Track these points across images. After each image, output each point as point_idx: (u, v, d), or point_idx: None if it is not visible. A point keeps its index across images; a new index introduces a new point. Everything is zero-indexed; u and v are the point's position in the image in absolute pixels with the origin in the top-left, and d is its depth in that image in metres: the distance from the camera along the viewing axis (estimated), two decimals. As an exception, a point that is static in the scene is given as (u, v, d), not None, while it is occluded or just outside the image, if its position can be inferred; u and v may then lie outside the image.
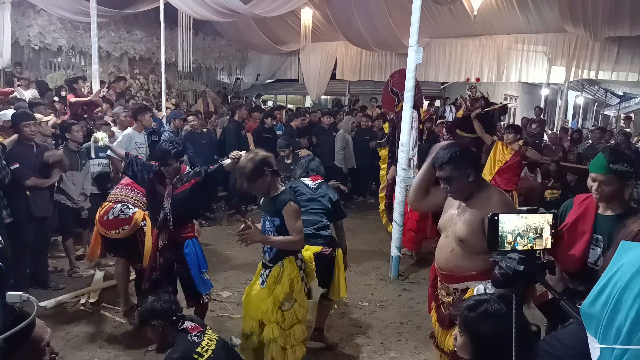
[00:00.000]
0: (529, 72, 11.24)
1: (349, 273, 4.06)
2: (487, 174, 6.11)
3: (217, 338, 2.66)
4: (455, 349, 1.77)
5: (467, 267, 2.43)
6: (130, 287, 4.25)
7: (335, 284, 3.63)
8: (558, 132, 10.98)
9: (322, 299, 3.75)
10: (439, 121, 9.02)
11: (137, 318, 2.80)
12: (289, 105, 15.31)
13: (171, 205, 3.37)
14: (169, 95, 10.28)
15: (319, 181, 3.75)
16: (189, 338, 2.55)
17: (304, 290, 3.07)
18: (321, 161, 4.15)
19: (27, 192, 4.34)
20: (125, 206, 3.90)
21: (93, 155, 5.24)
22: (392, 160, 6.08)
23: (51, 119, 5.74)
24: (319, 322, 3.78)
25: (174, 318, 2.61)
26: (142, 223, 3.95)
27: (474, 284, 2.41)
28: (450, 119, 10.50)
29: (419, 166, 5.56)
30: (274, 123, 8.36)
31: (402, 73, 5.98)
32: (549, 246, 1.46)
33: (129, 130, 5.48)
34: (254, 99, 15.10)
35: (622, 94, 19.86)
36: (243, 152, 3.42)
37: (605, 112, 23.36)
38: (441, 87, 13.88)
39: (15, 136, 4.44)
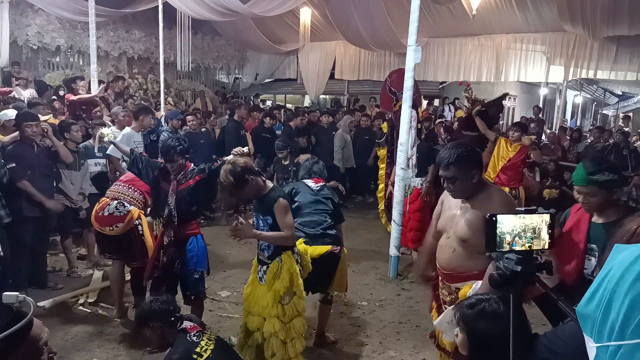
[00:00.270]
0: (527, 71, 11.25)
1: (348, 272, 4.07)
2: (491, 171, 6.11)
3: (216, 338, 2.66)
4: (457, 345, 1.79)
5: (469, 267, 2.43)
6: (129, 286, 4.25)
7: (337, 279, 3.66)
8: (557, 132, 11.00)
9: (323, 303, 3.76)
10: (437, 121, 9.02)
11: (135, 320, 2.79)
12: (288, 105, 15.31)
13: (175, 202, 3.38)
14: (167, 95, 10.26)
15: (321, 184, 3.77)
16: (188, 338, 2.55)
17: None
18: (322, 161, 4.16)
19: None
20: (121, 204, 3.90)
21: (97, 153, 5.23)
22: (392, 160, 6.08)
23: (49, 119, 5.73)
24: (320, 326, 3.80)
25: (173, 319, 2.61)
26: (136, 221, 3.95)
27: (476, 282, 2.41)
28: (449, 118, 10.52)
29: (417, 166, 5.59)
30: (273, 123, 8.35)
31: (400, 73, 5.98)
32: (546, 246, 1.46)
33: (127, 129, 5.48)
34: (252, 98, 15.11)
35: (620, 94, 19.88)
36: (245, 149, 3.44)
37: (604, 112, 23.37)
38: (440, 86, 13.89)
39: (15, 133, 4.45)
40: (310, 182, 3.75)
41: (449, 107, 12.71)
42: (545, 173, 8.04)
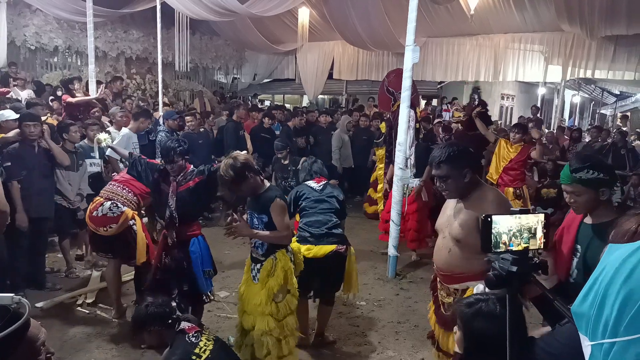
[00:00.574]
0: (525, 71, 11.26)
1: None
2: (493, 172, 6.12)
3: (214, 338, 2.65)
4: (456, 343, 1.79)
5: (466, 268, 2.43)
6: (129, 286, 4.24)
7: (347, 280, 3.70)
8: (555, 131, 11.01)
9: (323, 304, 3.77)
10: (436, 121, 9.02)
11: (132, 325, 2.74)
12: (287, 105, 15.30)
13: (176, 203, 3.38)
14: (165, 95, 10.25)
15: (323, 182, 3.78)
16: (187, 339, 2.53)
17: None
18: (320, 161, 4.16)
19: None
20: (115, 205, 3.89)
21: (96, 155, 5.23)
22: (390, 159, 6.09)
23: (46, 119, 5.73)
24: (320, 326, 3.80)
25: (170, 321, 2.58)
26: (131, 222, 3.94)
27: (474, 284, 2.41)
28: (447, 118, 10.53)
29: (416, 165, 5.59)
30: (271, 123, 8.35)
31: (397, 73, 5.98)
32: (542, 246, 1.46)
33: (125, 130, 5.48)
34: (250, 99, 15.10)
35: (618, 93, 19.90)
36: (243, 153, 3.44)
37: (602, 111, 23.42)
38: (438, 86, 13.89)
39: (15, 131, 4.45)
40: (312, 183, 3.77)
41: (447, 106, 12.71)
42: (543, 172, 8.06)
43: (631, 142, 10.37)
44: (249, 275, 3.14)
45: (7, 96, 7.28)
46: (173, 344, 2.54)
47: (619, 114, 17.98)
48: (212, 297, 3.66)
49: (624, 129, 11.66)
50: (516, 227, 1.42)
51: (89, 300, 4.40)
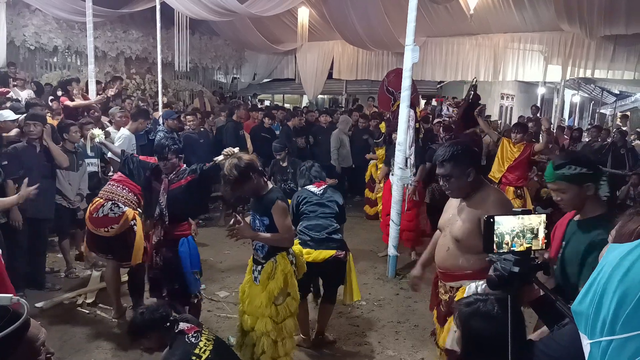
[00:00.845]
0: (525, 70, 11.26)
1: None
2: (496, 172, 6.14)
3: (214, 338, 2.64)
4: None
5: (462, 266, 2.45)
6: (123, 288, 4.24)
7: (348, 288, 3.72)
8: (555, 131, 11.01)
9: (324, 302, 3.77)
10: (435, 120, 9.02)
11: (129, 335, 2.69)
12: (286, 105, 15.31)
13: (167, 201, 3.37)
14: (165, 95, 10.25)
15: (323, 187, 3.78)
16: (186, 339, 2.51)
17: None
18: (320, 160, 4.17)
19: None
20: (115, 205, 3.89)
21: (89, 153, 5.22)
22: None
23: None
24: (320, 325, 3.81)
25: (168, 324, 2.55)
26: (132, 222, 3.94)
27: (468, 282, 2.42)
28: (445, 112, 10.58)
29: (415, 165, 5.59)
30: (271, 123, 8.35)
31: (397, 72, 5.98)
32: (544, 246, 1.46)
33: (125, 131, 5.48)
34: (250, 98, 15.09)
35: (618, 93, 19.90)
36: (236, 149, 3.44)
37: (602, 111, 23.41)
38: (438, 86, 13.90)
39: (16, 130, 4.45)
40: (312, 188, 3.77)
41: (447, 108, 12.71)
42: (543, 172, 8.05)
43: (631, 141, 10.36)
44: (251, 276, 3.14)
45: (7, 96, 7.27)
46: (173, 344, 2.52)
47: (619, 114, 17.99)
48: (201, 297, 3.64)
49: (624, 128, 11.66)
50: (519, 228, 1.42)
51: (88, 300, 4.40)
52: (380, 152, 6.96)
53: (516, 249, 1.43)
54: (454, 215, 2.52)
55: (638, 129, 13.36)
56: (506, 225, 1.42)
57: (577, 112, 21.63)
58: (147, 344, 2.61)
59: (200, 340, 2.53)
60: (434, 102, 13.04)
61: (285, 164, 5.94)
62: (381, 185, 6.53)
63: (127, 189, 3.99)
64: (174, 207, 3.40)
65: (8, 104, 6.02)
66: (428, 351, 3.65)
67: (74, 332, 3.86)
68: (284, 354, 3.05)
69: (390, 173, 5.86)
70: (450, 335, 2.44)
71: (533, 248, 1.45)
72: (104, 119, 6.75)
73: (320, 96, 16.41)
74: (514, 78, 12.04)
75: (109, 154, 4.96)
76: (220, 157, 3.40)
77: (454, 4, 9.81)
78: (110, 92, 8.49)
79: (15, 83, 8.08)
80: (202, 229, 6.13)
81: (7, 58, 9.44)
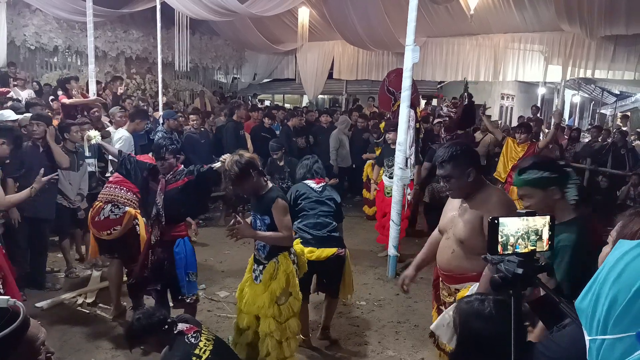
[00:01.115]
0: (525, 70, 11.24)
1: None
2: (501, 172, 6.15)
3: (214, 337, 2.64)
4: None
5: (468, 268, 2.43)
6: (123, 288, 4.23)
7: (345, 284, 3.74)
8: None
9: (329, 297, 3.78)
10: (435, 120, 9.02)
11: (126, 341, 2.66)
12: (287, 105, 15.31)
13: (164, 201, 3.37)
14: (165, 95, 10.26)
15: (322, 184, 3.77)
16: (186, 340, 2.51)
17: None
18: (320, 161, 4.16)
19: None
20: (116, 206, 3.88)
21: (87, 153, 5.21)
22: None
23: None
24: (326, 320, 3.83)
25: (166, 326, 2.54)
26: (134, 222, 3.93)
27: (474, 284, 2.41)
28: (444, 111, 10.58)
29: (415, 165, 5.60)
30: (270, 123, 8.35)
31: (398, 72, 5.99)
32: (548, 248, 1.45)
33: (124, 132, 5.47)
34: (250, 98, 15.09)
35: (618, 93, 19.89)
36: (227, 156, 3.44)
37: (602, 111, 23.40)
38: (438, 86, 13.89)
39: None
40: (312, 183, 3.75)
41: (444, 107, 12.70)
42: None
43: (631, 142, 10.36)
44: (251, 275, 3.15)
45: (8, 96, 7.27)
46: (173, 345, 2.51)
47: (619, 114, 17.97)
48: (197, 297, 3.62)
49: (624, 128, 11.66)
50: (523, 229, 1.41)
51: (89, 300, 4.40)
52: (380, 151, 6.97)
53: (520, 250, 1.42)
54: (456, 217, 2.51)
55: (638, 129, 13.36)
56: (511, 227, 1.41)
57: (577, 113, 21.62)
58: (147, 348, 2.59)
59: (200, 341, 2.53)
60: (434, 102, 13.03)
61: (282, 164, 5.94)
62: (375, 186, 6.52)
63: (125, 189, 3.98)
64: (171, 208, 3.39)
65: (9, 104, 6.02)
66: (428, 351, 3.64)
67: (74, 332, 3.86)
68: (290, 354, 3.05)
69: (383, 173, 5.87)
70: (439, 319, 2.44)
71: (537, 250, 1.44)
72: (105, 119, 6.74)
73: (320, 96, 16.41)
74: (514, 78, 12.03)
75: (109, 156, 4.96)
76: (218, 164, 3.39)
77: (454, 4, 9.81)
78: (120, 90, 8.55)
79: (16, 83, 8.09)
80: (202, 229, 6.13)
81: (7, 58, 9.44)
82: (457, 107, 7.42)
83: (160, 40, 8.31)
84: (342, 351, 3.76)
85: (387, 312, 4.43)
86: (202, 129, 7.59)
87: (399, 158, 5.17)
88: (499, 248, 1.40)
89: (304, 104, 16.28)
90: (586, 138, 11.10)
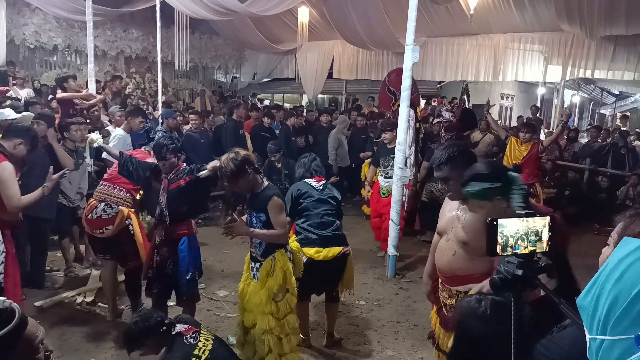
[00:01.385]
0: (525, 70, 11.26)
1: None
2: None
3: (213, 337, 2.63)
4: None
5: (470, 269, 2.41)
6: (121, 287, 4.23)
7: (345, 279, 3.73)
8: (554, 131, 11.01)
9: (330, 302, 3.78)
10: (435, 120, 9.02)
11: (125, 345, 2.64)
12: (286, 105, 15.31)
13: (166, 201, 3.37)
14: (164, 94, 10.25)
15: (322, 182, 3.76)
16: (185, 341, 2.50)
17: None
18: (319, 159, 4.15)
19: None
20: (108, 206, 3.87)
21: (87, 155, 5.21)
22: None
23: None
24: (330, 326, 3.82)
25: (164, 327, 2.53)
26: (127, 222, 3.92)
27: (475, 285, 2.40)
28: (446, 116, 10.57)
29: (415, 164, 5.61)
30: (270, 122, 8.34)
31: (398, 72, 5.98)
32: (548, 249, 1.45)
33: (120, 131, 5.47)
34: (250, 98, 15.09)
35: (618, 93, 19.92)
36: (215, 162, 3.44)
37: (602, 111, 23.42)
38: (438, 85, 13.90)
39: None
40: (312, 182, 3.72)
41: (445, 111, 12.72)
42: (543, 173, 8.06)
43: (631, 142, 10.36)
44: (249, 274, 3.16)
45: (7, 95, 7.27)
46: (172, 347, 2.50)
47: (619, 114, 17.99)
48: (196, 297, 3.62)
49: (624, 129, 11.66)
50: (523, 230, 1.41)
51: (88, 299, 4.39)
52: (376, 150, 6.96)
53: (519, 251, 1.42)
54: (457, 218, 2.49)
55: (638, 130, 13.37)
56: (510, 228, 1.40)
57: (577, 113, 21.62)
58: (146, 351, 2.57)
59: (199, 341, 2.52)
60: (433, 102, 13.05)
61: (279, 165, 5.93)
62: (369, 187, 6.51)
63: (118, 187, 3.96)
64: (174, 207, 3.39)
65: (8, 103, 6.01)
66: (427, 351, 3.64)
67: (73, 331, 3.85)
68: (290, 350, 3.06)
69: (379, 174, 5.86)
70: None
71: (537, 251, 1.43)
72: (104, 118, 6.74)
73: (320, 96, 16.41)
74: (514, 78, 12.04)
75: (104, 154, 4.95)
76: (205, 172, 3.39)
77: (454, 4, 9.81)
78: (129, 89, 8.52)
79: (15, 82, 8.08)
80: (202, 229, 6.14)
81: (6, 57, 9.45)
82: (454, 109, 7.45)
83: (160, 40, 8.31)
84: (341, 350, 3.76)
85: (387, 312, 4.43)
86: (202, 129, 7.59)
87: (398, 158, 5.16)
88: (498, 249, 1.40)
89: (303, 104, 16.28)
90: (584, 138, 11.10)
